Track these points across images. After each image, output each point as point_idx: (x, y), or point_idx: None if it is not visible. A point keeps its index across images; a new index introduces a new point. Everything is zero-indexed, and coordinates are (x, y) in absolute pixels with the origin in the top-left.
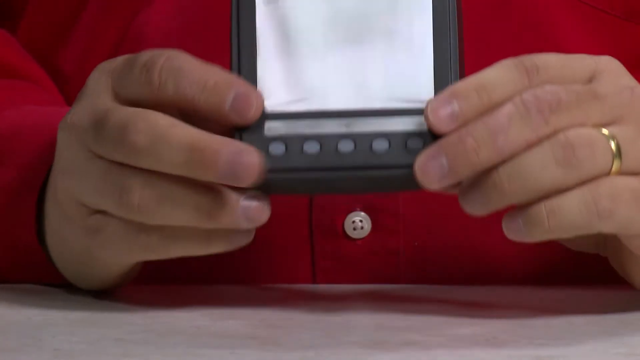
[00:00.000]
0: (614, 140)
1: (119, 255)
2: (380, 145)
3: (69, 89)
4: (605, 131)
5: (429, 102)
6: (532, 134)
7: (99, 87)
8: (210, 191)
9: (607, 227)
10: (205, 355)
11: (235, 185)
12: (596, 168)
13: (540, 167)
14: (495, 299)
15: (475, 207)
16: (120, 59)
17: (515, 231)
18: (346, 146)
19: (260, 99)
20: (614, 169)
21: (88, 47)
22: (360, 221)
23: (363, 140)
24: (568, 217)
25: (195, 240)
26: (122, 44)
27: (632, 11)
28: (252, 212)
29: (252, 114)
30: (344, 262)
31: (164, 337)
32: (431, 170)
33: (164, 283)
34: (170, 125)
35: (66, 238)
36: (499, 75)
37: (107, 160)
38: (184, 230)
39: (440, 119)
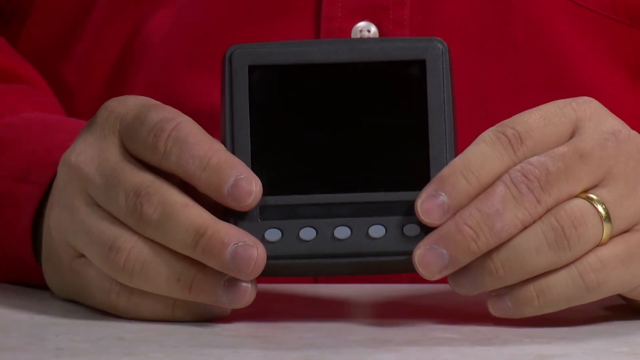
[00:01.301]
0: (602, 206)
1: (93, 303)
2: (377, 232)
3: (72, 98)
4: (594, 197)
5: (417, 198)
6: (526, 214)
7: (106, 130)
8: (195, 265)
9: (598, 296)
10: (207, 354)
11: (236, 277)
12: (588, 244)
13: (534, 252)
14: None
15: (466, 290)
16: (131, 105)
17: (503, 311)
18: (342, 233)
19: (259, 187)
20: (604, 234)
21: (91, 56)
22: None
23: (359, 226)
24: (557, 295)
25: (160, 309)
26: (126, 54)
27: (635, 17)
28: (236, 293)
29: (250, 203)
30: None
31: (166, 337)
32: (432, 262)
33: None
34: (184, 204)
35: (56, 266)
36: (483, 152)
37: (104, 210)
38: (153, 297)
39: (431, 214)
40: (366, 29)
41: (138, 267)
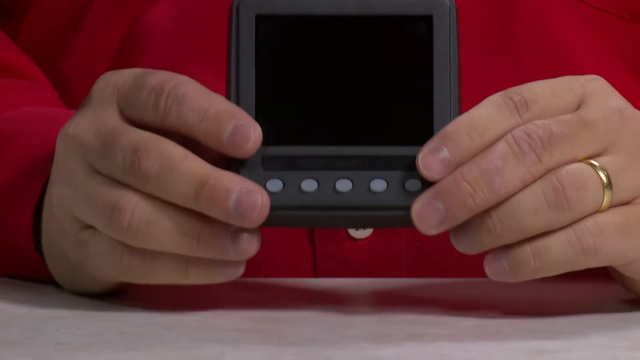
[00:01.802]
0: (604, 172)
1: (102, 274)
2: (378, 186)
3: (72, 93)
4: (596, 163)
5: (419, 152)
6: (527, 172)
7: (104, 101)
8: (200, 219)
9: (594, 263)
10: (208, 348)
11: (239, 225)
12: (587, 207)
13: (532, 211)
14: (498, 292)
15: (466, 248)
16: (127, 75)
17: (500, 273)
18: (344, 186)
19: (258, 133)
20: (605, 201)
21: (91, 50)
22: None
23: (361, 180)
24: (554, 257)
25: (174, 269)
26: (125, 47)
27: (635, 13)
28: (242, 244)
29: (249, 148)
30: (345, 263)
31: (168, 331)
32: (429, 217)
33: None
34: (182, 156)
35: (59, 247)
36: (489, 113)
37: (104, 175)
38: (165, 257)
39: (432, 169)
40: None
41: (143, 226)
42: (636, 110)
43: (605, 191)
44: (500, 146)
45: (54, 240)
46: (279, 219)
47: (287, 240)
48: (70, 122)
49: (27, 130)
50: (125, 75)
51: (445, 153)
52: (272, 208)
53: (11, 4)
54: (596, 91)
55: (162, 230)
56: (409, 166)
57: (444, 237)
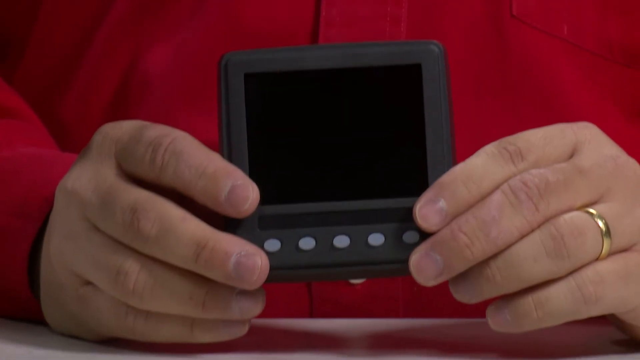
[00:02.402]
0: (602, 220)
1: (104, 330)
2: (376, 240)
3: (68, 137)
4: (593, 211)
5: (416, 203)
6: (524, 222)
7: (102, 154)
8: (205, 282)
9: (596, 311)
10: None
11: (239, 287)
12: (587, 255)
13: (531, 260)
14: (494, 334)
15: (466, 297)
16: (125, 127)
17: (503, 324)
18: (341, 242)
19: (256, 193)
20: (604, 249)
21: (87, 94)
22: None
23: (358, 234)
24: (556, 307)
25: (180, 330)
26: (121, 92)
27: (632, 58)
28: (247, 304)
29: (247, 208)
30: (342, 307)
31: None
32: (427, 269)
33: None
34: (182, 218)
35: (57, 298)
36: (485, 163)
37: (106, 234)
38: (170, 318)
39: (429, 220)
40: None
41: (148, 290)
42: (630, 157)
43: (604, 239)
44: (497, 196)
45: (52, 290)
46: (278, 277)
47: (283, 285)
48: (69, 175)
49: (22, 171)
50: (123, 128)
51: (442, 204)
52: (271, 268)
53: (7, 47)
54: (589, 139)
55: (168, 294)
56: (406, 218)
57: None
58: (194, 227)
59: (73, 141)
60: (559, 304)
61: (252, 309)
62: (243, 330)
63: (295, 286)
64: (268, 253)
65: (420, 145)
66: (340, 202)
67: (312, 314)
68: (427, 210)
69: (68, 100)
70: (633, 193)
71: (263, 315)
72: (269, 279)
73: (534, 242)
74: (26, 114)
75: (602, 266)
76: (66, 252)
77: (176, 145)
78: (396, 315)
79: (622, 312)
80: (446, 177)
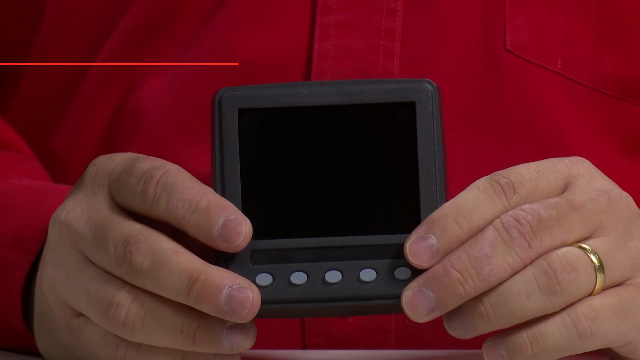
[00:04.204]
0: (595, 255)
1: None
2: (368, 276)
3: (62, 168)
4: (586, 246)
5: (407, 240)
6: (516, 258)
7: (95, 186)
8: (196, 316)
9: (592, 346)
10: None
11: (230, 320)
12: (580, 290)
13: (525, 296)
14: None
15: (459, 333)
16: (118, 160)
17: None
18: (333, 277)
19: (249, 228)
20: (597, 284)
21: (80, 125)
22: None
23: (350, 270)
24: (550, 343)
25: None
26: (117, 123)
27: (627, 91)
28: (238, 339)
29: (240, 243)
30: (335, 339)
31: None
32: (419, 305)
33: None
34: (174, 251)
35: (50, 329)
36: (476, 198)
37: (98, 267)
38: (160, 350)
39: (420, 257)
40: None
41: (139, 322)
42: (622, 191)
43: (598, 274)
44: (489, 233)
45: (45, 321)
46: (269, 312)
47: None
48: (63, 207)
49: (15, 203)
50: (116, 160)
51: (432, 240)
52: (262, 302)
53: (1, 77)
54: (582, 173)
55: (159, 328)
56: (398, 254)
57: None
58: (185, 260)
59: (66, 172)
60: (554, 339)
61: (242, 343)
62: None
63: (287, 319)
64: (260, 287)
65: (413, 183)
66: (333, 238)
67: (304, 346)
68: (418, 246)
69: (61, 131)
70: (626, 227)
71: (255, 346)
72: (261, 314)
73: (527, 278)
74: (18, 145)
75: (597, 301)
76: (58, 283)
77: (168, 178)
78: (388, 347)
79: (618, 347)
80: (437, 213)
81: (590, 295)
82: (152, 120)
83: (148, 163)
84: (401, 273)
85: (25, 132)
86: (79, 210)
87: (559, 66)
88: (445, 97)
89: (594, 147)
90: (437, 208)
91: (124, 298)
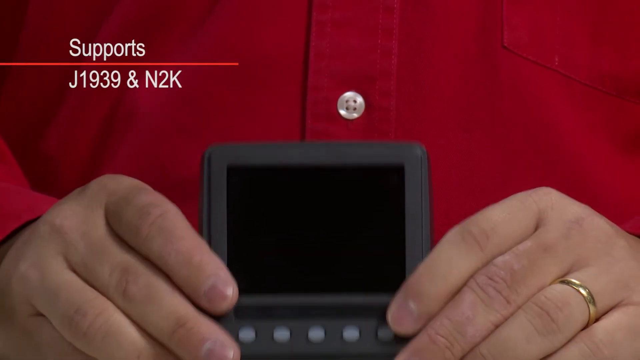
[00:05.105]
0: (582, 287)
1: None
2: (351, 335)
3: (53, 169)
4: (573, 280)
5: (388, 310)
6: (498, 315)
7: (94, 203)
8: (158, 348)
9: None
10: None
11: None
12: (577, 324)
13: (525, 341)
14: None
15: None
16: (123, 185)
17: None
18: (317, 334)
19: (235, 293)
20: (591, 313)
21: (74, 125)
22: None
23: (334, 328)
24: None
25: None
26: (110, 122)
27: (624, 89)
28: None
29: (223, 307)
30: None
31: None
32: None
33: None
34: (169, 291)
35: (5, 326)
36: (448, 255)
37: (78, 275)
38: None
39: (403, 324)
40: (352, 99)
41: (100, 336)
42: (596, 215)
43: (590, 305)
44: (467, 295)
45: (2, 318)
46: None
47: None
48: (59, 212)
49: None
50: (121, 184)
51: (412, 307)
52: (245, 357)
53: None
54: (551, 205)
55: (117, 346)
56: (382, 314)
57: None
58: (179, 303)
59: (58, 174)
60: None
61: None
62: None
63: None
64: (242, 343)
65: (399, 245)
66: (317, 296)
67: None
68: (399, 314)
69: (53, 130)
70: (605, 252)
71: None
72: None
73: (522, 324)
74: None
75: (609, 324)
76: (30, 280)
77: (165, 221)
78: None
79: None
80: (413, 278)
81: (598, 320)
82: (148, 119)
83: (149, 197)
84: (384, 334)
85: (15, 132)
86: (75, 221)
87: (556, 63)
88: (443, 95)
89: (592, 145)
90: None
91: (93, 308)
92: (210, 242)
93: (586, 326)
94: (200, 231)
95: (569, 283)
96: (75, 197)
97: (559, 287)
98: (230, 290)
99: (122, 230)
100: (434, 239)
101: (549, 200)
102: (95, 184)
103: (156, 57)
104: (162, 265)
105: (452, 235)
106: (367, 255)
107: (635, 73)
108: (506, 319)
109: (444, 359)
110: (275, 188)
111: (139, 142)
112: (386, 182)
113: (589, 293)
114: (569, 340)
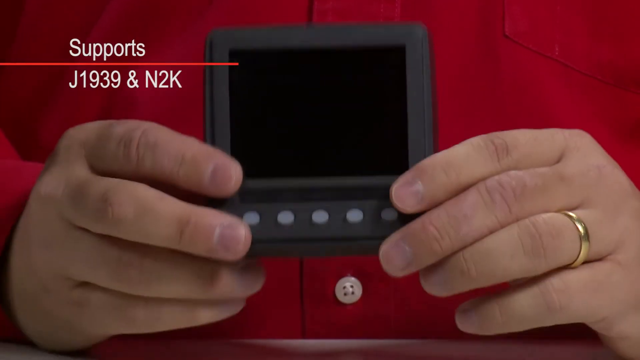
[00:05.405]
0: (581, 224)
1: (103, 329)
2: (354, 217)
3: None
4: (573, 214)
5: (393, 184)
6: (495, 221)
7: (71, 157)
8: (207, 262)
9: (561, 320)
10: None
11: (222, 259)
12: (563, 257)
13: (509, 256)
14: (487, 354)
15: (436, 289)
16: (91, 129)
17: (469, 325)
18: (320, 217)
19: (239, 170)
20: (582, 252)
21: (71, 115)
22: (351, 286)
23: (337, 210)
24: (519, 312)
25: (182, 312)
26: (108, 110)
27: (623, 78)
28: (250, 281)
29: (232, 187)
30: (334, 327)
31: None
32: (395, 259)
33: (150, 338)
34: (159, 197)
35: (42, 307)
36: (468, 153)
37: (92, 233)
38: (171, 303)
39: (405, 201)
40: None
41: (155, 276)
42: (617, 168)
43: (582, 242)
44: (472, 194)
45: (34, 301)
46: (256, 251)
47: (276, 303)
48: (40, 182)
49: None
50: (89, 129)
51: (419, 186)
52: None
53: None
54: (578, 146)
55: (175, 278)
56: (385, 195)
57: (433, 300)
58: (172, 204)
59: None
60: (523, 310)
61: (254, 285)
62: (241, 305)
63: (287, 307)
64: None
65: (401, 125)
66: (321, 179)
67: (304, 334)
68: (404, 191)
69: (49, 122)
70: (615, 203)
71: (255, 335)
72: (248, 253)
73: (511, 239)
74: None
75: (569, 274)
76: (53, 257)
77: (148, 136)
78: (388, 334)
79: (591, 322)
80: (427, 161)
81: (572, 264)
82: (146, 108)
83: (123, 126)
84: (387, 214)
85: (11, 124)
86: (56, 181)
87: (556, 53)
88: (444, 85)
89: (591, 133)
90: (425, 152)
91: (132, 256)
92: (213, 127)
93: (570, 265)
94: (204, 117)
95: (570, 217)
96: (50, 162)
97: (560, 217)
98: (232, 169)
99: (112, 166)
100: (437, 122)
101: (579, 142)
102: (64, 140)
103: (153, 52)
104: (161, 176)
105: (476, 140)
106: (370, 137)
107: (634, 63)
108: (502, 227)
109: (431, 250)
110: (277, 71)
111: None
112: (388, 63)
113: (586, 232)
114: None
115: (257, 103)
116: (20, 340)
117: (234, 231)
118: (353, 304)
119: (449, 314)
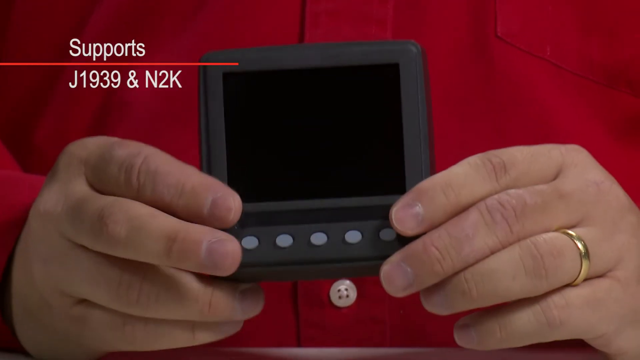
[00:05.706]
0: (581, 242)
1: (103, 345)
2: (353, 237)
3: (44, 161)
4: (573, 233)
5: (393, 206)
6: (497, 241)
7: (70, 174)
8: (208, 285)
9: (561, 335)
10: None
11: (214, 274)
12: (565, 276)
13: (510, 277)
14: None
15: (437, 308)
16: (92, 147)
17: (469, 341)
18: (319, 239)
19: (238, 202)
20: (582, 271)
21: (65, 117)
22: (346, 290)
23: (336, 232)
24: (519, 328)
25: (181, 333)
26: (104, 111)
27: (613, 78)
28: (249, 304)
29: (231, 218)
30: (329, 330)
31: None
32: (396, 279)
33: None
34: (150, 215)
35: (43, 321)
36: (467, 173)
37: (92, 251)
38: (169, 323)
39: (404, 223)
40: None
41: (154, 298)
42: (615, 184)
43: (583, 261)
44: (472, 214)
45: (36, 315)
46: (255, 275)
47: (270, 307)
48: (40, 199)
49: None
50: (90, 147)
51: (419, 208)
52: (249, 265)
53: None
54: (576, 162)
55: (173, 301)
56: (383, 215)
57: None
58: (162, 221)
59: (47, 166)
60: (523, 325)
61: (254, 308)
62: (239, 326)
63: (281, 310)
64: (246, 250)
65: (397, 144)
66: (318, 200)
67: (298, 338)
68: (403, 213)
69: (43, 123)
70: (613, 220)
71: (249, 339)
72: (247, 277)
73: (513, 259)
74: None
75: (570, 292)
76: (53, 274)
77: (149, 164)
78: (383, 339)
79: (590, 339)
80: (426, 183)
81: (572, 283)
82: (140, 109)
83: (125, 149)
84: (386, 234)
85: (4, 124)
86: (55, 198)
87: (548, 53)
88: (437, 85)
89: (583, 133)
90: (422, 171)
91: (134, 277)
92: (209, 152)
93: (571, 283)
94: (199, 141)
95: (570, 236)
96: (50, 177)
97: (560, 236)
98: (231, 200)
99: (112, 189)
100: (433, 137)
101: (576, 158)
102: (64, 157)
103: (148, 50)
104: (161, 206)
105: (473, 159)
106: (366, 157)
107: (624, 63)
108: (503, 247)
109: (433, 271)
110: (272, 92)
111: (133, 131)
112: (382, 82)
113: (586, 251)
114: None
115: (252, 126)
116: (20, 351)
117: (221, 246)
118: (348, 307)
119: (443, 317)
